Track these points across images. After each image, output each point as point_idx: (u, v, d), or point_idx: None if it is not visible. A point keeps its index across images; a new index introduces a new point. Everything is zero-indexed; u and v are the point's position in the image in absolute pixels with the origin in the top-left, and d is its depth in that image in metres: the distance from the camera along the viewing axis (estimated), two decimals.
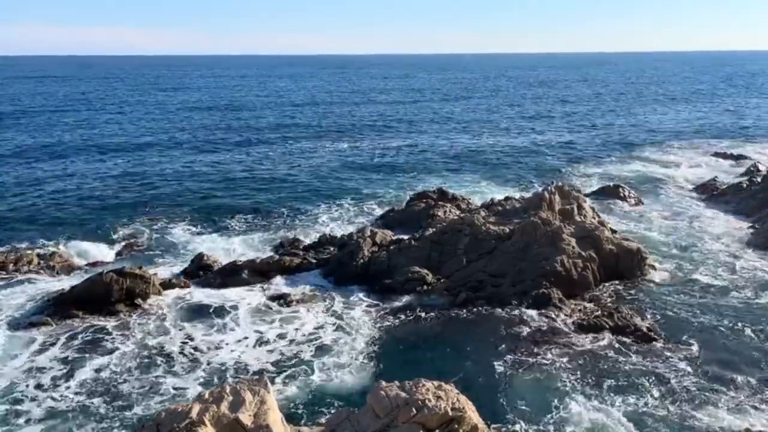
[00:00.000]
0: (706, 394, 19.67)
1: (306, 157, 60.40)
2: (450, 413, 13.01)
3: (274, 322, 24.91)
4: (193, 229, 36.96)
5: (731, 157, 58.32)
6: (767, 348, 22.57)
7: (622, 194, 43.15)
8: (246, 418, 13.16)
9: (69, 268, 30.51)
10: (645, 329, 23.42)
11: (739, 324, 24.27)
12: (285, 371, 21.29)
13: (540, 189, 34.82)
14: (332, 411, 17.63)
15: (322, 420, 17.52)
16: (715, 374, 20.84)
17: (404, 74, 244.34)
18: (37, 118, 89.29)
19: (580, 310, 25.24)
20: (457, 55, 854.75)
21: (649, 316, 24.88)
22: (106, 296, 25.96)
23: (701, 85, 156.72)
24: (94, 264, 31.10)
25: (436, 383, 13.76)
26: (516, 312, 25.12)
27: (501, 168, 55.05)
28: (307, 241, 33.60)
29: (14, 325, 24.54)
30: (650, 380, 20.46)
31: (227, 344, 23.15)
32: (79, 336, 23.64)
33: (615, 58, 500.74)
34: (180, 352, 22.50)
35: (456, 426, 12.98)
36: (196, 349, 22.79)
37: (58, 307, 25.62)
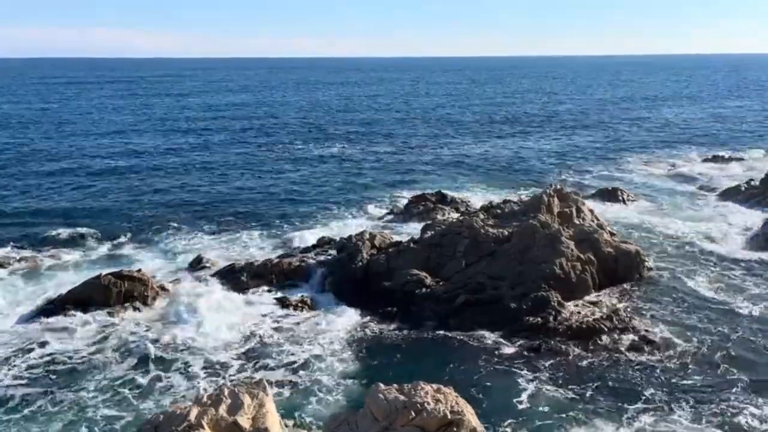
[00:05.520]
0: (706, 396, 19.64)
1: (305, 159, 60.37)
2: (449, 416, 12.98)
3: (272, 326, 24.84)
4: (192, 231, 36.86)
5: (729, 159, 58.37)
6: (766, 350, 22.55)
7: (621, 196, 43.16)
8: (244, 421, 13.14)
9: (67, 270, 30.42)
10: (644, 332, 23.40)
11: (739, 326, 24.25)
12: (283, 375, 21.23)
13: (539, 192, 34.79)
14: (331, 414, 17.53)
15: (321, 423, 17.50)
16: (714, 376, 20.82)
17: (413, 77, 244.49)
18: (37, 120, 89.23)
19: (579, 313, 25.18)
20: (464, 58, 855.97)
21: (648, 319, 24.85)
22: (103, 298, 25.90)
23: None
24: (93, 265, 31.00)
25: (435, 386, 13.74)
26: (515, 315, 25.04)
27: (500, 171, 55.06)
28: (306, 244, 33.53)
29: (11, 326, 24.46)
30: (650, 383, 20.43)
31: (223, 347, 23.06)
32: (75, 338, 23.56)
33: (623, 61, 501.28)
34: (176, 355, 22.41)
35: (455, 429, 12.95)
36: (192, 351, 22.71)
37: (55, 308, 25.55)
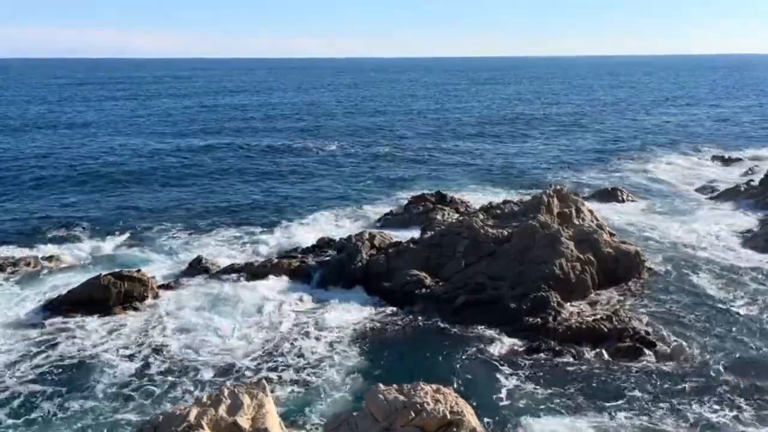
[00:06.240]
0: (705, 398, 19.63)
1: (304, 159, 60.40)
2: (448, 416, 12.99)
3: (272, 325, 24.84)
4: (191, 231, 36.88)
5: (728, 159, 58.43)
6: (764, 352, 22.54)
7: (620, 197, 43.22)
8: (244, 421, 13.15)
9: (67, 271, 30.44)
10: (643, 333, 23.37)
11: (738, 328, 24.25)
12: (283, 375, 21.23)
13: (538, 192, 34.79)
14: (330, 415, 17.55)
15: (321, 423, 17.52)
16: (708, 378, 20.79)
17: (412, 78, 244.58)
18: (36, 120, 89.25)
19: (578, 314, 25.19)
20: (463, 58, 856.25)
21: (647, 320, 24.83)
22: (103, 299, 25.91)
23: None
24: (92, 266, 31.01)
25: (434, 386, 13.75)
26: (515, 315, 25.04)
27: (499, 171, 55.07)
28: (306, 244, 33.54)
29: (11, 327, 24.47)
30: (649, 385, 20.43)
31: (224, 347, 23.07)
32: (75, 338, 23.56)
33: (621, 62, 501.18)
34: (176, 355, 22.41)
35: (454, 429, 12.96)
36: (192, 351, 22.71)
37: (55, 309, 25.58)
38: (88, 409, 19.12)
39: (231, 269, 29.64)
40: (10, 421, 18.60)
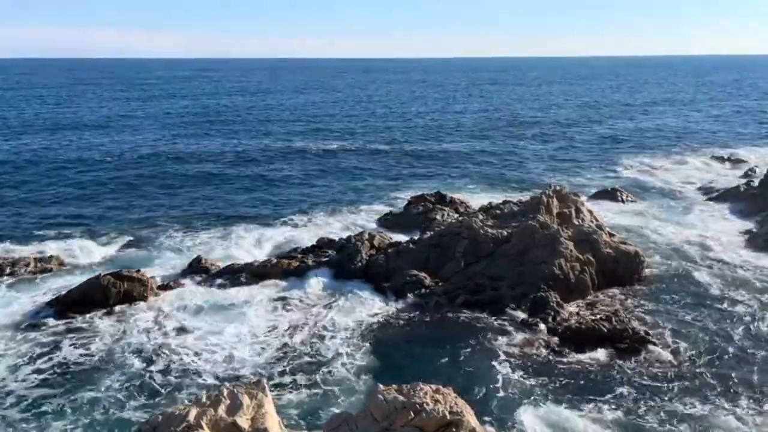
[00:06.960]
0: (703, 399, 19.65)
1: (304, 160, 60.39)
2: (448, 417, 12.99)
3: (271, 325, 24.85)
4: (191, 231, 36.88)
5: (728, 160, 58.43)
6: (762, 353, 22.54)
7: (620, 197, 43.22)
8: (243, 421, 13.14)
9: (66, 271, 30.44)
10: (642, 333, 23.38)
11: (737, 328, 24.25)
12: (282, 375, 21.24)
13: (538, 192, 34.80)
14: (330, 414, 17.54)
15: (320, 423, 17.51)
16: (712, 378, 20.81)
17: (412, 79, 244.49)
18: (35, 121, 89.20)
19: (577, 314, 25.20)
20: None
21: (647, 320, 24.86)
22: (103, 299, 25.92)
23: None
24: (92, 266, 31.02)
25: (434, 387, 13.73)
26: (514, 315, 25.08)
27: (499, 171, 55.07)
28: (306, 244, 33.54)
29: (11, 328, 24.46)
30: (648, 386, 20.44)
31: (224, 346, 23.07)
32: (76, 339, 23.57)
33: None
34: (176, 355, 22.41)
35: (454, 430, 12.96)
36: (192, 351, 22.71)
37: (55, 309, 25.57)
38: (90, 409, 19.12)
39: (231, 269, 29.64)
40: (18, 415, 18.63)
